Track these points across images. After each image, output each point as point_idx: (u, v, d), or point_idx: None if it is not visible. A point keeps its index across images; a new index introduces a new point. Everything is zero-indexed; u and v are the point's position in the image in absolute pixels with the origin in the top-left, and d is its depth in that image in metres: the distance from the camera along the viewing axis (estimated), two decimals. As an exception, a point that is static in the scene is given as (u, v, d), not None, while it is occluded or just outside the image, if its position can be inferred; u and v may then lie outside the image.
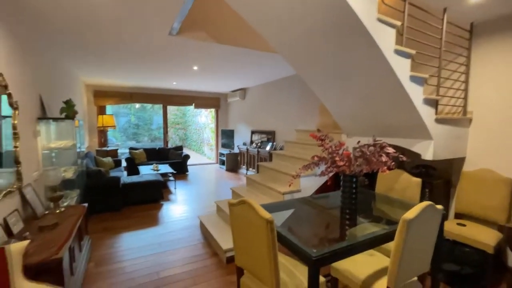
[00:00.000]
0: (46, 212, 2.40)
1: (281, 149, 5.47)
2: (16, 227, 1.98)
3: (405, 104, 2.03)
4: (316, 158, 1.99)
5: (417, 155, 2.39)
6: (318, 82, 2.50)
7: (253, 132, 6.86)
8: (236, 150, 7.47)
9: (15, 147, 2.12)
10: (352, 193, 1.95)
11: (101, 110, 6.91)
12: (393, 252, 1.34)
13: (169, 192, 5.15)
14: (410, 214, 1.31)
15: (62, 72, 4.10)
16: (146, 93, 7.31)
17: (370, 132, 2.53)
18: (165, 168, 5.67)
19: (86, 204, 2.70)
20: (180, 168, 6.76)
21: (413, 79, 1.96)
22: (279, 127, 5.77)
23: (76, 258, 2.19)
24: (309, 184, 2.95)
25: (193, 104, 8.00)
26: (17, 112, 2.14)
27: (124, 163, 6.31)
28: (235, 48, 3.33)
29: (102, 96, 6.80)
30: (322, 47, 2.05)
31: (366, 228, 1.61)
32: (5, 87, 1.95)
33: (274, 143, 5.74)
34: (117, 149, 6.57)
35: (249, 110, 7.13)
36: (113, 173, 4.91)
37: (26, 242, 1.54)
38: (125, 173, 5.66)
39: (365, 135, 2.64)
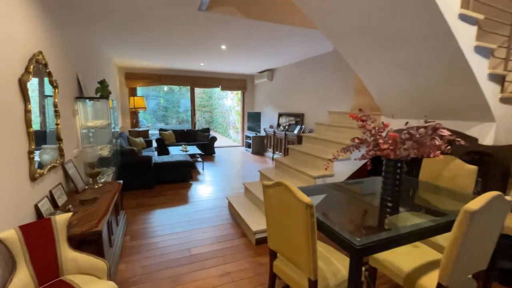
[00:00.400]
0: (86, 187, 2.53)
1: (310, 132, 5.27)
2: (61, 200, 2.10)
3: (465, 79, 1.76)
4: (356, 140, 1.82)
5: (471, 140, 2.12)
6: (360, 57, 2.27)
7: (280, 115, 6.68)
8: (262, 133, 7.38)
9: (57, 124, 2.21)
10: (395, 179, 1.77)
11: (132, 92, 7.13)
12: (449, 246, 1.19)
13: (198, 172, 5.26)
14: (474, 205, 1.14)
15: (96, 54, 4.21)
16: (174, 75, 7.38)
17: (415, 113, 2.28)
18: (193, 149, 5.77)
19: (121, 181, 2.81)
20: (208, 150, 6.86)
21: (478, 49, 1.68)
22: (309, 110, 5.53)
23: (113, 231, 2.30)
24: (342, 168, 2.79)
25: (220, 86, 7.95)
26: (57, 90, 2.21)
27: (154, 144, 6.53)
28: (265, 23, 3.14)
29: (133, 78, 6.98)
30: (372, 12, 1.81)
31: (409, 219, 1.46)
32: (45, 65, 2.00)
33: (303, 126, 5.54)
34: (148, 130, 6.80)
35: (276, 92, 6.93)
36: (145, 153, 5.10)
37: (69, 214, 1.61)
38: (155, 153, 5.86)
39: (409, 116, 2.38)
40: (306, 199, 1.20)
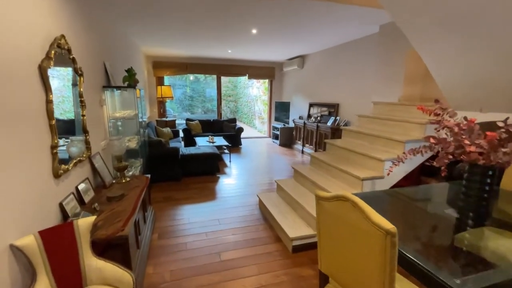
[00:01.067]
0: (113, 181, 2.40)
1: (345, 124, 4.82)
2: (88, 196, 1.98)
3: None
4: (432, 140, 1.44)
5: None
6: (430, 34, 1.83)
7: (311, 105, 6.26)
8: (291, 124, 7.02)
9: (82, 115, 2.07)
10: (484, 191, 1.39)
11: (160, 81, 7.07)
12: None
13: (224, 165, 5.09)
14: None
15: (124, 42, 4.08)
16: (201, 63, 7.19)
17: (502, 106, 1.81)
18: (220, 141, 5.59)
19: (149, 175, 2.67)
20: (234, 141, 6.67)
21: None
22: (345, 100, 5.06)
23: (141, 230, 2.16)
24: (394, 170, 2.40)
25: (247, 75, 7.64)
26: (82, 79, 2.05)
27: (181, 134, 6.45)
28: (302, 1, 2.75)
29: (161, 67, 6.91)
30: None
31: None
32: (69, 51, 1.83)
33: (338, 118, 5.10)
34: (175, 120, 6.74)
35: (307, 80, 6.47)
36: (172, 144, 5.00)
37: (93, 218, 1.45)
38: (182, 143, 5.78)
39: (493, 110, 1.92)
40: (385, 223, 0.89)
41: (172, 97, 6.75)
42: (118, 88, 2.87)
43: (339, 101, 5.23)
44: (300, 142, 6.33)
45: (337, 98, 5.29)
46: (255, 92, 11.59)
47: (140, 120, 3.20)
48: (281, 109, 7.42)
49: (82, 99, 2.05)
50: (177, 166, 4.05)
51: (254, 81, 11.59)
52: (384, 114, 3.18)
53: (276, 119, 7.68)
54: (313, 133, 5.65)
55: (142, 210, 2.35)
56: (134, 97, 2.94)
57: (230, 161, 5.31)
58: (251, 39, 4.73)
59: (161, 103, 7.13)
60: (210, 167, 4.40)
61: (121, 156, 2.45)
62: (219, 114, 7.76)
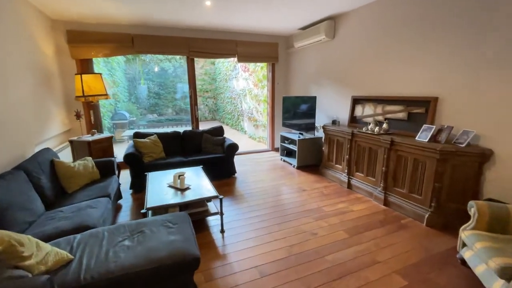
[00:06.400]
0: None
1: (465, 136, 2.20)
2: None
3: None
4: None
5: None
6: None
7: (357, 101, 3.59)
8: (318, 133, 4.31)
9: None
10: None
11: (85, 67, 4.00)
12: None
13: (210, 244, 2.26)
14: None
15: None
16: (158, 35, 4.20)
17: None
18: (198, 176, 2.74)
19: None
20: (224, 169, 3.84)
21: None
22: (451, 90, 2.44)
23: None
24: None
25: (236, 56, 4.79)
26: None
27: (130, 162, 3.47)
28: None
29: (83, 41, 3.83)
30: None
31: None
32: None
33: (445, 126, 2.45)
34: (111, 137, 3.71)
35: (347, 58, 3.78)
36: (84, 212, 2.06)
37: None
38: (108, 205, 2.81)
39: None
40: None
41: (106, 94, 3.70)
42: None
43: (436, 92, 2.58)
44: (339, 167, 3.65)
45: (429, 87, 2.64)
46: (242, 85, 8.71)
47: None
48: (294, 108, 4.66)
49: None
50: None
51: (240, 70, 8.71)
52: None
53: (286, 125, 4.92)
54: (376, 154, 2.98)
55: None
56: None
57: (222, 231, 2.47)
58: None
59: (91, 106, 4.07)
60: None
61: None
62: (194, 119, 4.83)
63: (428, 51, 2.64)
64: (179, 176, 2.62)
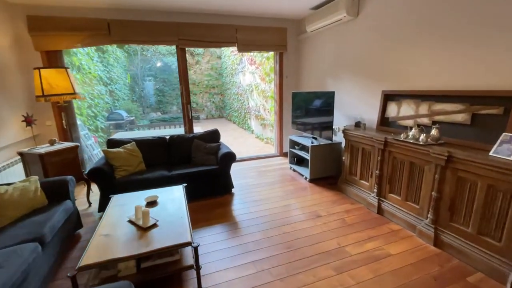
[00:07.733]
0: None
1: None
2: None
3: None
4: None
5: None
6: None
7: (389, 98, 2.71)
8: (336, 138, 3.46)
9: None
10: None
11: (53, 61, 3.33)
12: None
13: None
14: None
15: None
16: (140, 20, 3.47)
17: None
18: (174, 208, 2.00)
19: None
20: (216, 183, 3.08)
21: None
22: None
23: None
24: None
25: (236, 45, 3.99)
26: None
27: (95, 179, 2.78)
28: None
29: (48, 28, 3.16)
30: None
31: None
32: None
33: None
34: (77, 146, 3.02)
35: (377, 40, 2.90)
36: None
37: None
38: (97, 212, 2.11)
39: None
40: None
41: (74, 93, 3.01)
42: None
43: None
44: (366, 184, 2.79)
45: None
46: (248, 80, 7.90)
47: None
48: (306, 105, 3.81)
49: None
50: None
51: (246, 62, 7.89)
52: None
53: (297, 124, 4.08)
54: (422, 173, 2.11)
55: None
56: None
57: None
58: None
59: (61, 108, 3.40)
60: None
61: None
62: (186, 120, 4.09)
63: (510, 21, 1.73)
64: (146, 205, 1.88)
